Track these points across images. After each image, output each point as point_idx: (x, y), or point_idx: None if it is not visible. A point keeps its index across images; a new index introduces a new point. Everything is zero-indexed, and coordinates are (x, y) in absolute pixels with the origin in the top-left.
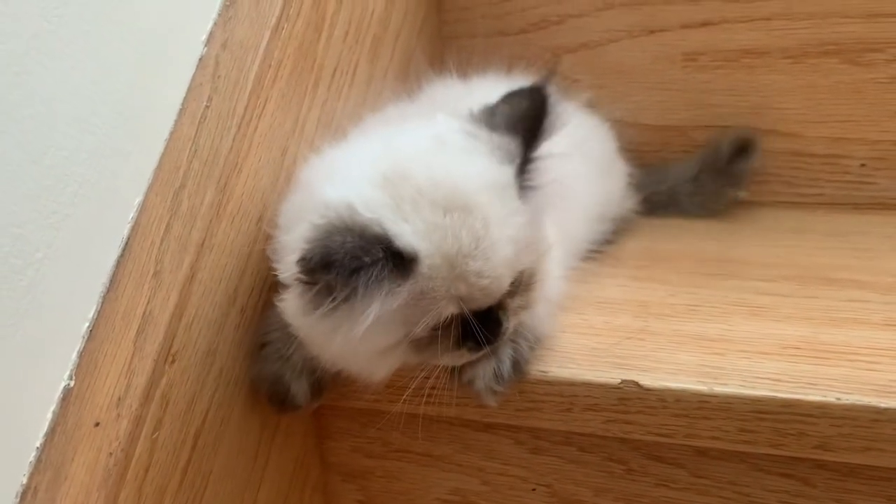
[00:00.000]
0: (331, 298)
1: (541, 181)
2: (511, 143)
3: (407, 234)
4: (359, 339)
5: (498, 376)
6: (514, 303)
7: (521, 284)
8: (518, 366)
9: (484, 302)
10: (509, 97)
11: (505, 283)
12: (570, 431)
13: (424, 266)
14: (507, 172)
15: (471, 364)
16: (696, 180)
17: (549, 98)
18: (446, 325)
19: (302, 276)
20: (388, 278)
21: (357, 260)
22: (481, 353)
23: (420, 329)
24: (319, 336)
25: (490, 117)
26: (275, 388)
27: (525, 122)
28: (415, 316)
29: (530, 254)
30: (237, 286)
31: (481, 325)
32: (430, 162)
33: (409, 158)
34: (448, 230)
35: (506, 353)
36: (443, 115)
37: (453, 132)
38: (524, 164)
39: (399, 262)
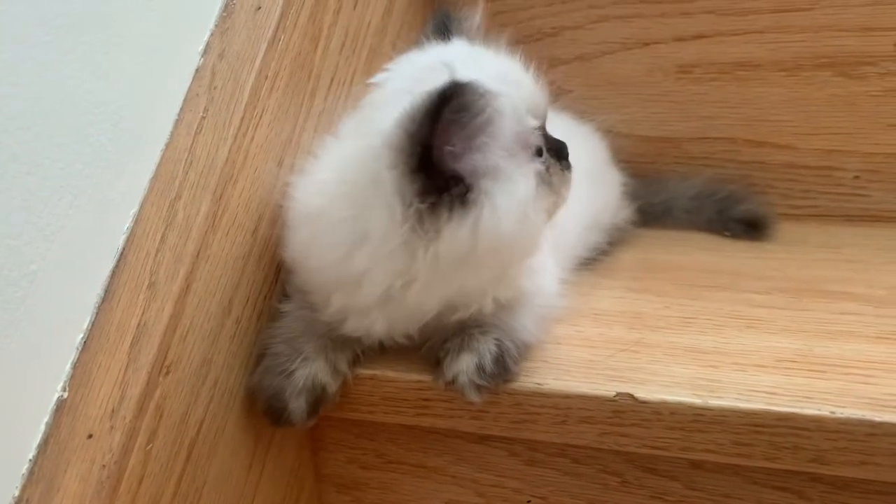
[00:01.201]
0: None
1: None
2: None
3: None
4: (512, 206)
5: (480, 371)
6: None
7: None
8: (501, 361)
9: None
10: None
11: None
12: (565, 444)
13: (505, 98)
14: None
15: (453, 359)
16: (695, 200)
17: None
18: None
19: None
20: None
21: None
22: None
23: (532, 157)
24: (535, 222)
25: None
26: (272, 403)
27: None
28: (519, 150)
29: None
30: (232, 297)
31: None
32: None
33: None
34: (503, 68)
35: (486, 348)
36: None
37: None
38: None
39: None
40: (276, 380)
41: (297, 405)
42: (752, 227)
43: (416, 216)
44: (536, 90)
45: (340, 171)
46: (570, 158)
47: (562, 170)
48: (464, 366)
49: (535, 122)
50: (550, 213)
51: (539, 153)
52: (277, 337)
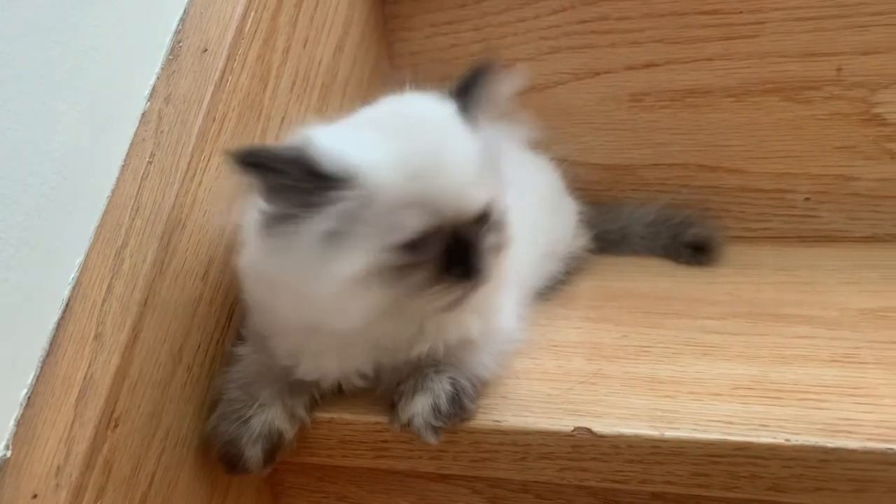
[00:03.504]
0: (278, 215)
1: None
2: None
3: (357, 145)
4: (326, 264)
5: (436, 412)
6: (487, 240)
7: (491, 221)
8: (457, 401)
9: (452, 212)
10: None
11: (473, 197)
12: (527, 480)
13: (377, 172)
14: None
15: (408, 401)
16: (651, 227)
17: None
18: (419, 249)
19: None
20: (329, 191)
21: (283, 164)
22: (468, 289)
23: (389, 250)
24: (284, 273)
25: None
26: (228, 450)
27: (467, 80)
28: (381, 234)
29: (492, 186)
30: (182, 344)
31: (460, 252)
32: (383, 104)
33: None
34: (406, 137)
35: (441, 387)
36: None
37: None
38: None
39: (339, 176)
40: (232, 427)
41: (254, 453)
42: (699, 251)
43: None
44: (448, 192)
45: None
46: (480, 265)
47: (439, 274)
48: (419, 408)
49: (418, 221)
50: (399, 306)
51: (411, 248)
52: (233, 382)
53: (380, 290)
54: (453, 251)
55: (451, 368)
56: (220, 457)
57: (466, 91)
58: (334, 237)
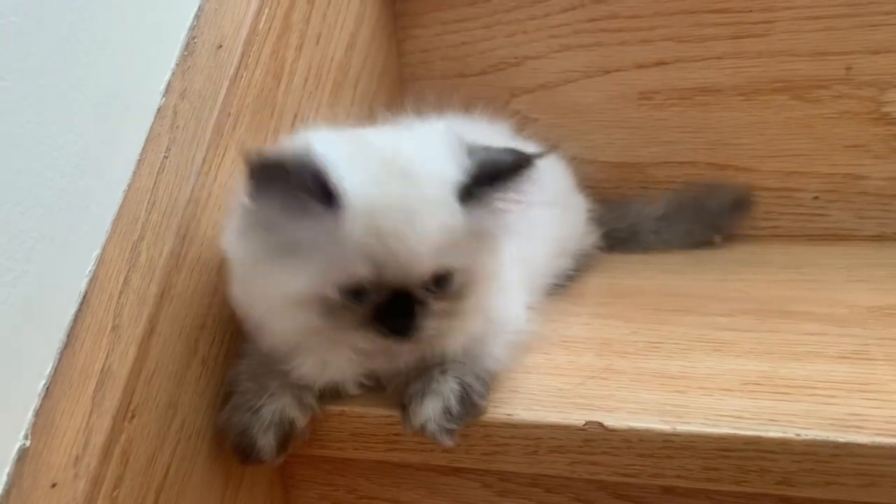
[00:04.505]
0: (259, 213)
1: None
2: (474, 168)
3: (345, 175)
4: (275, 273)
5: (447, 414)
6: (437, 305)
7: (449, 288)
8: (466, 400)
9: (399, 276)
10: (502, 149)
11: (425, 266)
12: (537, 473)
13: (349, 210)
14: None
15: (418, 405)
16: (664, 220)
17: (533, 164)
18: (359, 295)
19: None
20: (310, 208)
21: (285, 173)
22: (392, 344)
23: (331, 286)
24: (245, 266)
25: (472, 150)
26: (241, 441)
27: (498, 164)
28: (329, 269)
29: (461, 257)
30: (198, 337)
31: (397, 309)
32: (398, 137)
33: (381, 135)
34: (387, 188)
35: (449, 389)
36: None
37: (435, 131)
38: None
39: (326, 198)
40: (244, 417)
41: (266, 441)
42: (736, 209)
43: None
44: (400, 256)
45: None
46: (410, 326)
47: (367, 323)
48: (430, 412)
49: (364, 271)
50: (330, 336)
51: (352, 293)
52: (244, 374)
53: (313, 317)
54: (387, 308)
55: (457, 366)
56: (233, 447)
57: (489, 170)
58: (293, 252)
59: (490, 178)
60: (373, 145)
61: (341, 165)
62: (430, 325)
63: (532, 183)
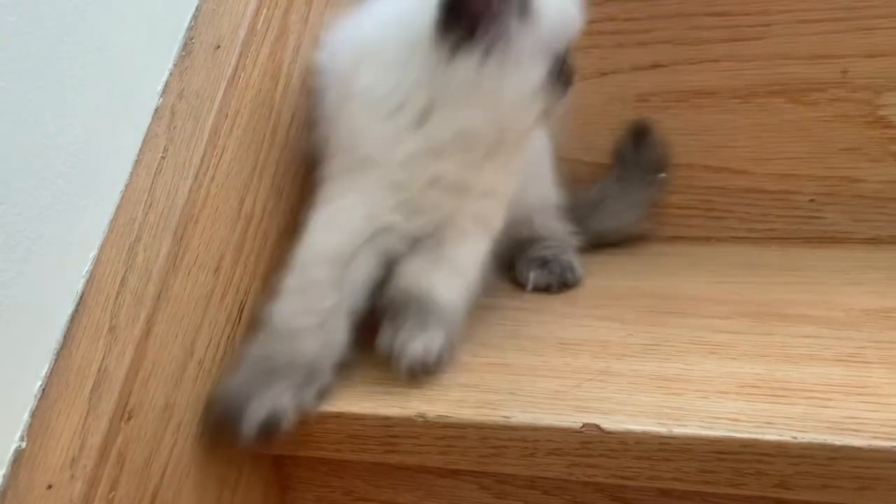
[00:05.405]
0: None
1: None
2: None
3: None
4: (516, 79)
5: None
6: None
7: None
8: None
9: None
10: None
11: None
12: (534, 476)
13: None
14: None
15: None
16: (620, 180)
17: None
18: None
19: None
20: (521, 21)
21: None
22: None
23: (553, 64)
24: (478, 93)
25: None
26: (224, 420)
27: None
28: (544, 56)
29: None
30: (195, 338)
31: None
32: None
33: None
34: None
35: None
36: None
37: None
38: None
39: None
40: (238, 399)
41: (248, 430)
42: (641, 137)
43: (438, 48)
44: (575, 23)
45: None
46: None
47: (559, 88)
48: (409, 350)
49: (558, 45)
50: (539, 117)
51: (553, 65)
52: (254, 354)
53: (542, 97)
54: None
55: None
56: (215, 424)
57: None
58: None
59: None
60: None
61: None
62: None
63: None
